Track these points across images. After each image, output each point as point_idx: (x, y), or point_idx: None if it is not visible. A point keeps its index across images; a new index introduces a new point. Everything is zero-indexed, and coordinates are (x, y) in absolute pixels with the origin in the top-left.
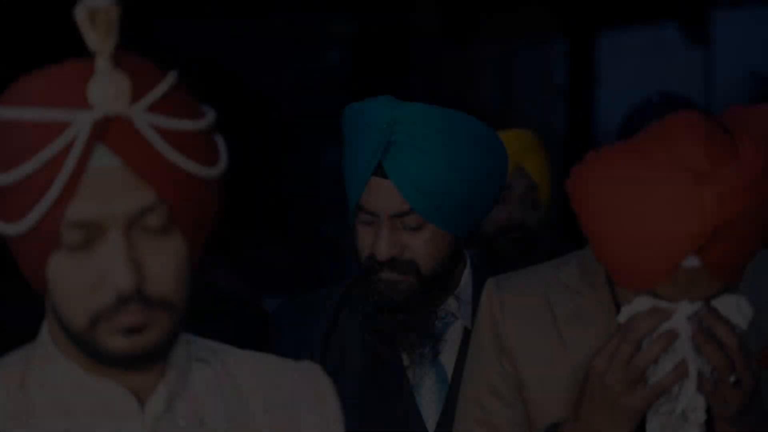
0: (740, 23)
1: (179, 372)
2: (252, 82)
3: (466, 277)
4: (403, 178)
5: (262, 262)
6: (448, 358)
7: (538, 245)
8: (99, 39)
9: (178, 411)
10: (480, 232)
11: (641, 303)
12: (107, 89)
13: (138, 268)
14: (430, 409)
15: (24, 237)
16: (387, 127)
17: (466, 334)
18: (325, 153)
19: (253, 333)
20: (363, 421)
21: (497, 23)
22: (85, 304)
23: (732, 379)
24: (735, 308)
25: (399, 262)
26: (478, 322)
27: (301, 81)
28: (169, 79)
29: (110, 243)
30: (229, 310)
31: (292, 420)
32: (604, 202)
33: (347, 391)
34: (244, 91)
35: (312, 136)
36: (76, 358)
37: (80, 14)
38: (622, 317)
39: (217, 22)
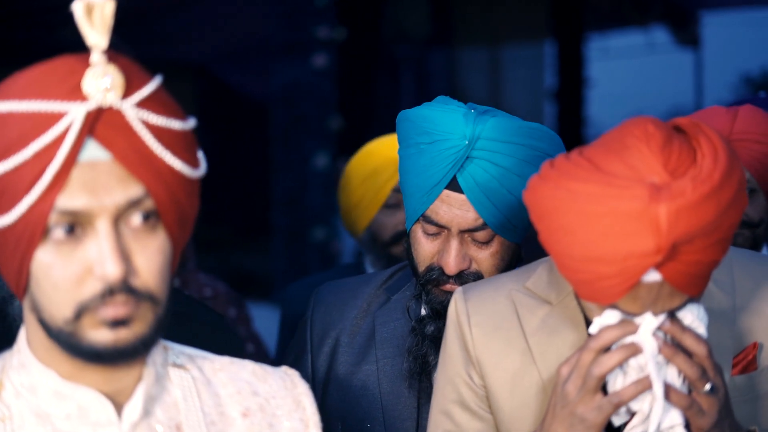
0: (729, 25)
1: (156, 377)
2: (240, 87)
3: None
4: (479, 194)
5: (249, 267)
6: None
7: None
8: (95, 33)
9: (156, 416)
10: (376, 238)
11: (611, 316)
12: (102, 82)
13: (125, 260)
14: None
15: (11, 229)
16: (468, 144)
17: None
18: (314, 158)
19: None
20: (386, 415)
21: (486, 26)
22: (71, 296)
23: (707, 387)
24: (697, 317)
25: (465, 274)
26: (446, 332)
27: (289, 85)
28: (156, 81)
29: (98, 234)
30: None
31: (270, 425)
32: (560, 218)
33: (371, 382)
34: (234, 96)
35: (301, 140)
36: (53, 365)
37: (78, 9)
38: (593, 329)
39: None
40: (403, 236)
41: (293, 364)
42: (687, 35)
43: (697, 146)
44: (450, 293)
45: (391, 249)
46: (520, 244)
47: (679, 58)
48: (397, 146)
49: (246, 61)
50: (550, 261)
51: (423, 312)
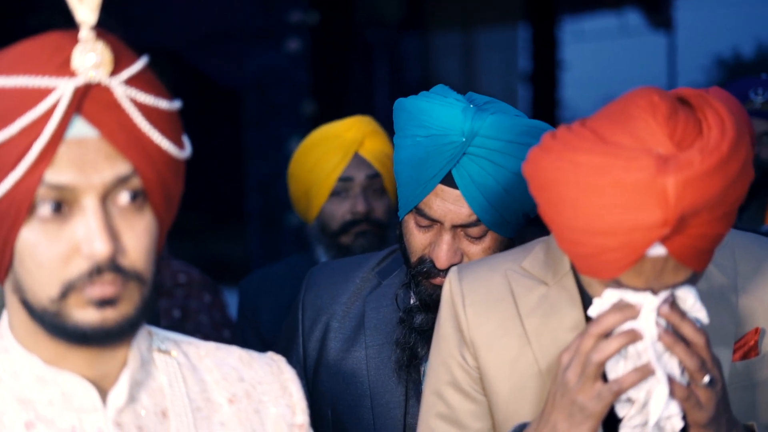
0: (702, 7)
1: (142, 362)
2: (213, 73)
3: None
4: (474, 191)
5: (223, 253)
6: None
7: (389, 235)
8: (85, 9)
9: (141, 402)
10: (325, 228)
11: (611, 296)
12: (91, 57)
13: (113, 238)
14: None
15: None
16: (466, 140)
17: None
18: (288, 143)
19: None
20: (374, 403)
21: (459, 10)
22: (57, 275)
23: (706, 379)
24: (697, 302)
25: None
26: (440, 313)
27: (262, 70)
28: (143, 60)
29: (86, 212)
30: None
31: (257, 411)
32: (563, 190)
33: (360, 368)
34: (206, 81)
35: (275, 125)
36: (36, 350)
37: None
38: (592, 311)
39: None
40: (351, 226)
41: (286, 348)
42: (660, 18)
43: (703, 118)
44: (440, 287)
45: (340, 239)
46: (513, 239)
47: (652, 41)
48: (344, 131)
49: (219, 46)
50: (547, 241)
51: (412, 301)
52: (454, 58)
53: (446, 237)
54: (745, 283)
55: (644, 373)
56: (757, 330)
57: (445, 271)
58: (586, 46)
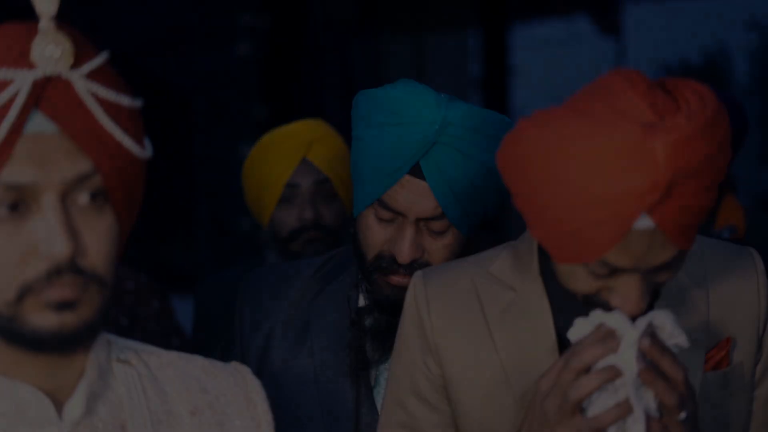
0: (650, 14)
1: (100, 372)
2: (163, 75)
3: None
4: (441, 182)
5: (172, 259)
6: None
7: (342, 241)
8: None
9: (99, 415)
10: (276, 235)
11: (592, 320)
12: (50, 49)
13: (74, 238)
14: None
15: None
16: (438, 129)
17: None
18: (240, 146)
19: None
20: (324, 411)
21: (410, 14)
22: (14, 277)
23: (683, 416)
24: (676, 327)
25: (417, 264)
26: (402, 319)
27: (212, 74)
28: (104, 55)
29: (45, 211)
30: None
31: (220, 424)
32: (545, 163)
33: (307, 376)
34: (155, 85)
35: (225, 130)
36: None
37: None
38: (572, 335)
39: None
40: (300, 233)
41: (222, 358)
42: (608, 25)
43: (680, 96)
44: (396, 287)
45: (290, 246)
46: (470, 241)
47: (601, 47)
48: (291, 136)
49: (168, 49)
50: (515, 245)
51: (361, 302)
52: (406, 63)
53: (409, 231)
54: (716, 292)
55: (624, 410)
56: (728, 340)
57: (405, 267)
58: (536, 52)
